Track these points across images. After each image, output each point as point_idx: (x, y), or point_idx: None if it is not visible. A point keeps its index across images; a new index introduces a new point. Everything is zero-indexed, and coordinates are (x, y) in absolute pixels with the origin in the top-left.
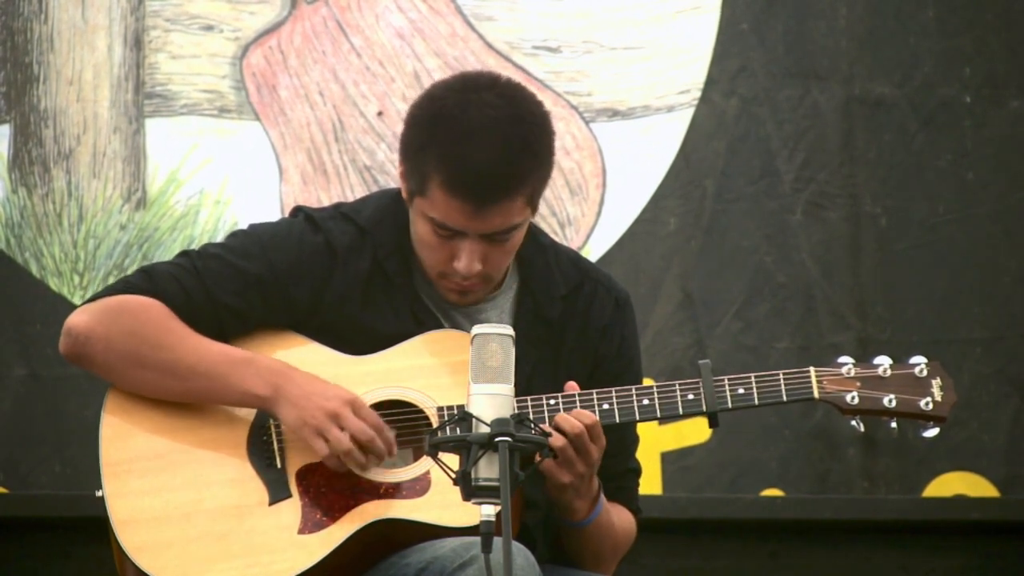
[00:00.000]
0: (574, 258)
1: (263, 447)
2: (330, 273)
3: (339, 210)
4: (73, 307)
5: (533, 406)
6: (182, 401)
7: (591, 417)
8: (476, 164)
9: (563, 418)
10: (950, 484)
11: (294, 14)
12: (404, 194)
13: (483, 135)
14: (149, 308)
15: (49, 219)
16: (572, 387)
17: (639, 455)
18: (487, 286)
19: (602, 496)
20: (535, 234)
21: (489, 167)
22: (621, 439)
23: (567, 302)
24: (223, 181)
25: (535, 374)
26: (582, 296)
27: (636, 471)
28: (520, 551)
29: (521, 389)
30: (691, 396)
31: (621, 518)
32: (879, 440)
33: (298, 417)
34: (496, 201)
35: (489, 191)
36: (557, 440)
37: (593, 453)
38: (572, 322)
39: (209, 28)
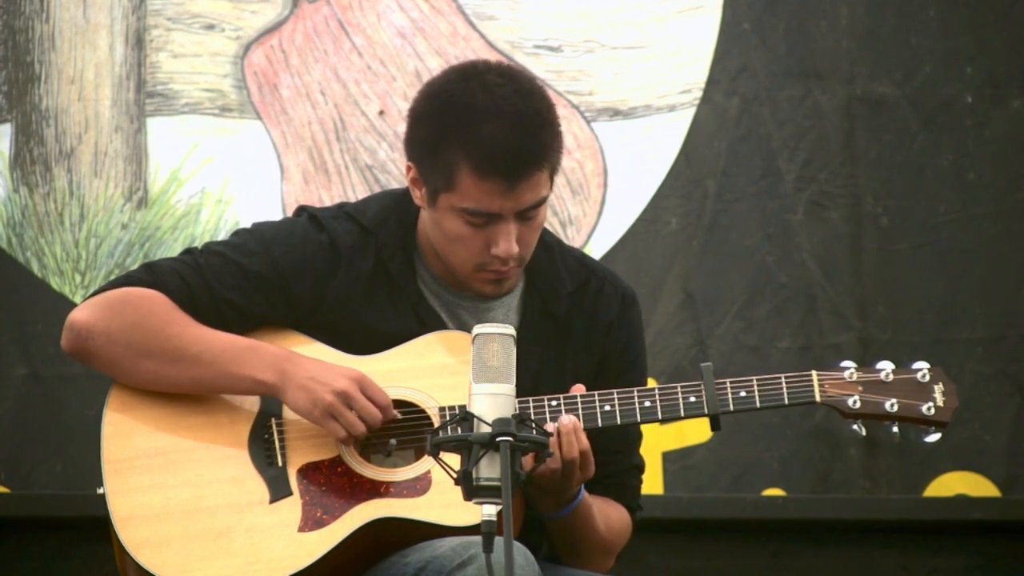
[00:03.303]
0: (579, 256)
1: (264, 445)
2: (333, 272)
3: (343, 210)
4: (74, 306)
5: (535, 406)
6: (187, 391)
7: (585, 444)
8: (502, 143)
9: (567, 443)
10: (951, 484)
11: (295, 13)
12: (420, 197)
13: (500, 114)
14: (151, 299)
15: (50, 218)
16: (578, 389)
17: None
18: (519, 269)
19: (579, 499)
20: (540, 233)
21: (515, 143)
22: (624, 436)
23: (573, 299)
24: (225, 180)
25: (542, 371)
26: (588, 293)
27: (639, 467)
28: (520, 551)
29: (528, 386)
30: (693, 398)
31: (610, 517)
32: (880, 440)
33: (308, 400)
34: (527, 175)
35: (519, 166)
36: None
37: (575, 480)
38: (578, 319)
39: (211, 27)
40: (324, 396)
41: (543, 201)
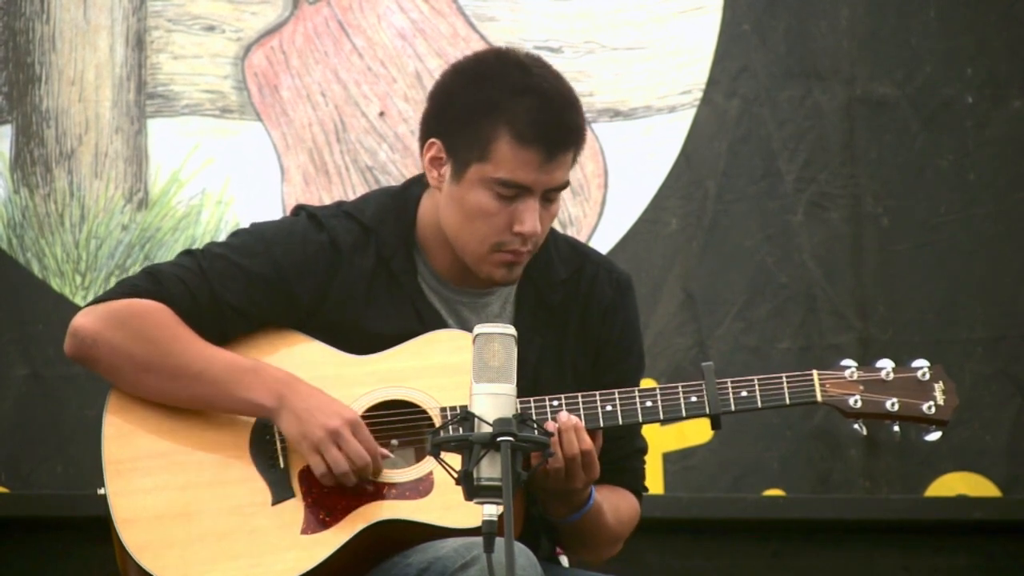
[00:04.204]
0: (573, 243)
1: (266, 447)
2: (334, 271)
3: (342, 208)
4: (75, 307)
5: (536, 406)
6: (185, 406)
7: (587, 444)
8: (543, 115)
9: (567, 440)
10: (952, 484)
11: (296, 14)
12: (437, 177)
13: (538, 90)
14: (156, 313)
15: (51, 219)
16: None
17: None
18: (529, 257)
19: (590, 503)
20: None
21: (554, 116)
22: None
23: (568, 286)
24: (225, 181)
25: (541, 362)
26: (584, 279)
27: (642, 450)
28: (522, 551)
29: (528, 378)
30: (694, 398)
31: (619, 508)
32: (881, 440)
33: (299, 431)
34: (563, 149)
35: (558, 139)
36: (553, 461)
37: (578, 482)
38: (574, 306)
39: (211, 28)
40: (314, 431)
41: (566, 185)
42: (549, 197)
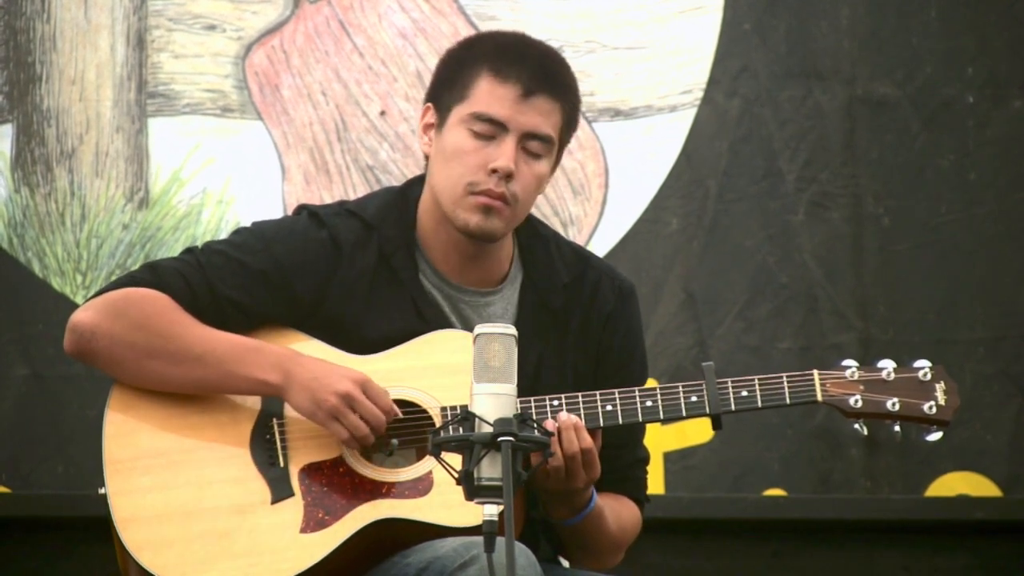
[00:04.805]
0: (576, 247)
1: (266, 445)
2: (335, 269)
3: (344, 207)
4: (76, 307)
5: (536, 406)
6: (190, 391)
7: (587, 442)
8: (525, 55)
9: (567, 439)
10: (953, 484)
11: (297, 14)
12: (428, 142)
13: (526, 42)
14: (154, 300)
15: (52, 218)
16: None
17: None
18: (511, 212)
19: (591, 505)
20: (536, 225)
21: (536, 61)
22: (629, 430)
23: (570, 291)
24: (226, 181)
25: (542, 365)
26: (586, 284)
27: (644, 460)
28: (522, 551)
29: (529, 380)
30: (694, 398)
31: (620, 515)
32: (881, 440)
33: (312, 401)
34: (542, 91)
35: (537, 78)
36: (554, 460)
37: (579, 481)
38: (576, 311)
39: (212, 28)
40: (327, 398)
41: (549, 140)
42: (529, 148)
